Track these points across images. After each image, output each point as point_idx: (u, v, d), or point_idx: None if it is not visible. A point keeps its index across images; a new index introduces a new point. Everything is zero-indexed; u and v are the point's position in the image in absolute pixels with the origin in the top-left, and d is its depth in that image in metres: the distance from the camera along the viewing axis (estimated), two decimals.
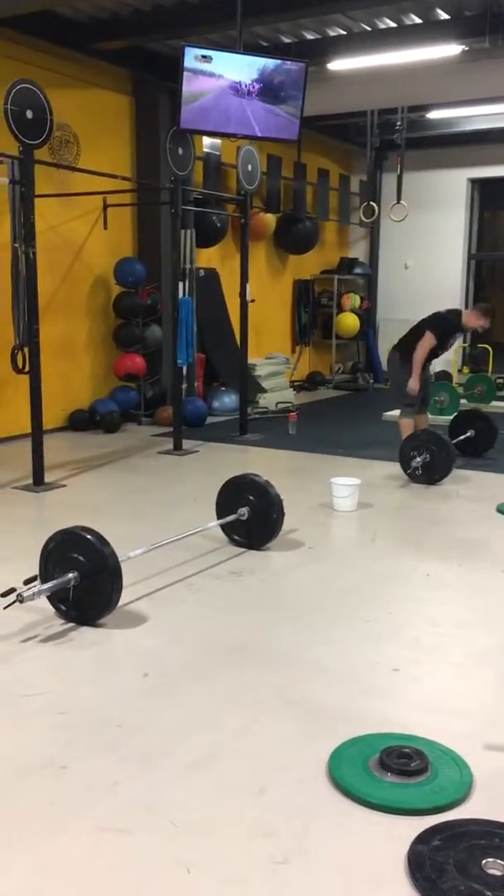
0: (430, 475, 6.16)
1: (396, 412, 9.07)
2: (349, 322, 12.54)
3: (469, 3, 7.02)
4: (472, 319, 6.58)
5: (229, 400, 9.60)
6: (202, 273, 9.55)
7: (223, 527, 4.65)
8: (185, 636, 3.51)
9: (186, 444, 7.51)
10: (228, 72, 5.21)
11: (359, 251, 13.41)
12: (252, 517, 4.55)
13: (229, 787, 2.40)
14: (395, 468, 6.40)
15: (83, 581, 3.49)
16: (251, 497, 4.55)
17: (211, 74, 5.15)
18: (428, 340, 6.39)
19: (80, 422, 8.47)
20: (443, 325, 6.50)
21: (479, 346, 12.02)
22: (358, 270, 12.99)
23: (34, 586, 3.39)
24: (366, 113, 10.54)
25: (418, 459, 6.14)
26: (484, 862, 2.04)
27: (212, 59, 5.11)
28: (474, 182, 12.73)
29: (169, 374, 9.09)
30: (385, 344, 12.85)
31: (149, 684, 3.04)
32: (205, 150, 9.39)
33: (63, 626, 3.53)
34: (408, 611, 3.83)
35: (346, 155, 12.83)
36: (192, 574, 4.23)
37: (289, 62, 5.42)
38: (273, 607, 3.85)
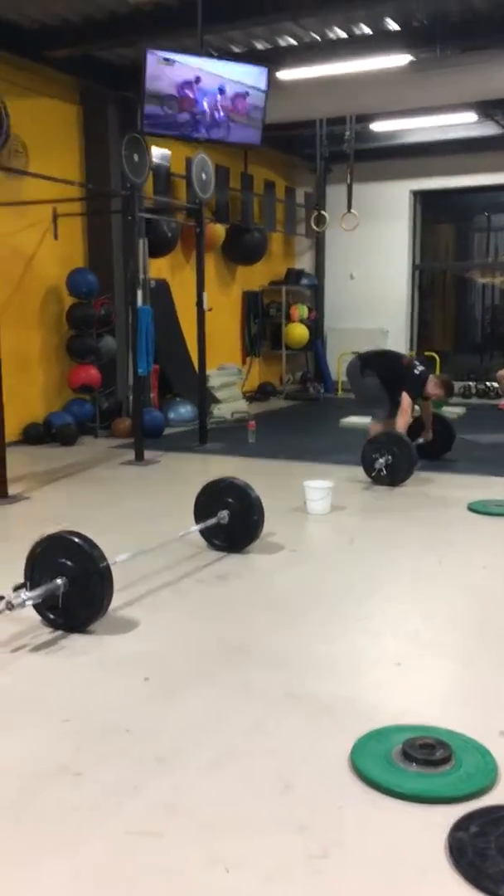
0: (394, 476, 6.19)
1: (354, 418, 9.20)
2: (298, 332, 12.60)
3: (418, 14, 7.14)
4: (432, 388, 6.76)
5: (185, 410, 9.53)
6: (153, 284, 9.47)
7: (202, 531, 4.57)
8: (180, 639, 3.43)
9: (147, 454, 7.40)
10: (190, 75, 5.19)
11: (305, 262, 13.50)
12: (232, 520, 4.49)
13: (253, 785, 2.33)
14: (359, 471, 6.41)
15: (72, 586, 3.38)
16: (230, 500, 4.49)
17: (173, 78, 5.12)
18: (408, 405, 6.60)
19: (35, 435, 8.29)
20: (417, 388, 6.71)
21: (426, 353, 12.18)
22: (305, 281, 13.07)
23: (23, 593, 3.28)
24: (312, 124, 10.65)
25: (381, 461, 6.17)
26: None
27: (174, 62, 5.09)
28: (416, 194, 12.95)
29: (124, 386, 8.99)
30: (333, 353, 13.00)
31: (151, 688, 2.95)
32: (154, 160, 9.33)
33: (52, 634, 3.41)
34: (400, 607, 3.82)
35: (290, 167, 12.92)
36: (176, 580, 4.15)
37: (250, 66, 5.43)
38: (265, 608, 3.80)
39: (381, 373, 6.84)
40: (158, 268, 9.92)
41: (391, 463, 6.16)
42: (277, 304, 12.55)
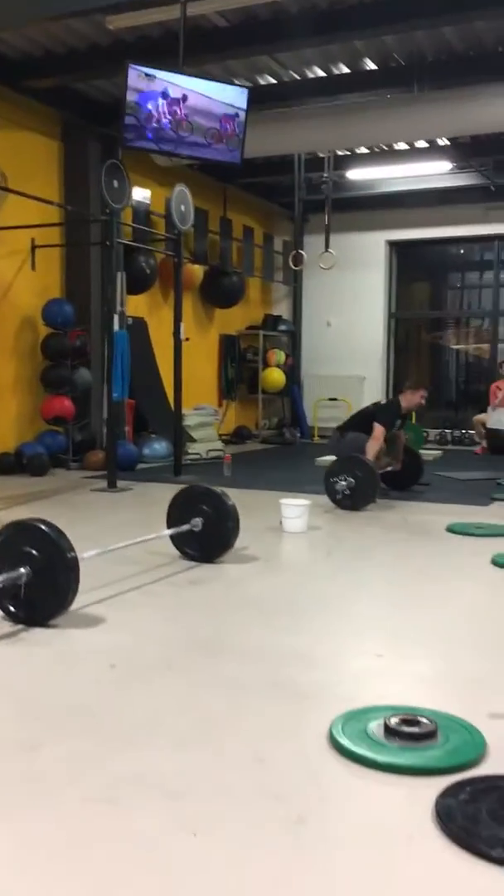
0: (356, 500, 6.08)
1: (330, 457, 9.10)
2: (275, 377, 12.59)
3: (394, 53, 7.30)
4: (411, 399, 6.76)
5: (160, 447, 9.40)
6: (131, 322, 9.44)
7: (174, 541, 4.41)
8: (149, 633, 3.25)
9: (120, 483, 7.24)
10: (172, 92, 5.22)
11: (282, 309, 13.58)
12: (206, 528, 4.34)
13: (225, 759, 2.16)
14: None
15: (36, 577, 3.20)
16: (205, 507, 4.35)
17: (154, 94, 5.14)
18: (380, 433, 6.49)
19: (6, 465, 8.10)
20: (390, 416, 6.68)
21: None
22: (282, 327, 13.13)
23: None
24: (290, 169, 10.83)
25: (342, 484, 6.07)
26: None
27: (155, 77, 5.12)
28: (392, 244, 13.14)
29: (98, 419, 8.87)
30: (310, 399, 13.00)
31: (118, 675, 2.77)
32: (135, 199, 9.39)
33: (11, 627, 3.22)
34: (380, 610, 3.67)
35: (269, 216, 13.09)
36: (145, 584, 3.97)
37: (233, 87, 5.48)
38: (239, 609, 3.63)
39: (358, 427, 6.82)
40: (136, 306, 9.90)
41: (354, 486, 6.06)
42: (255, 349, 12.57)
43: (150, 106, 5.13)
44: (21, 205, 7.92)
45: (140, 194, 9.55)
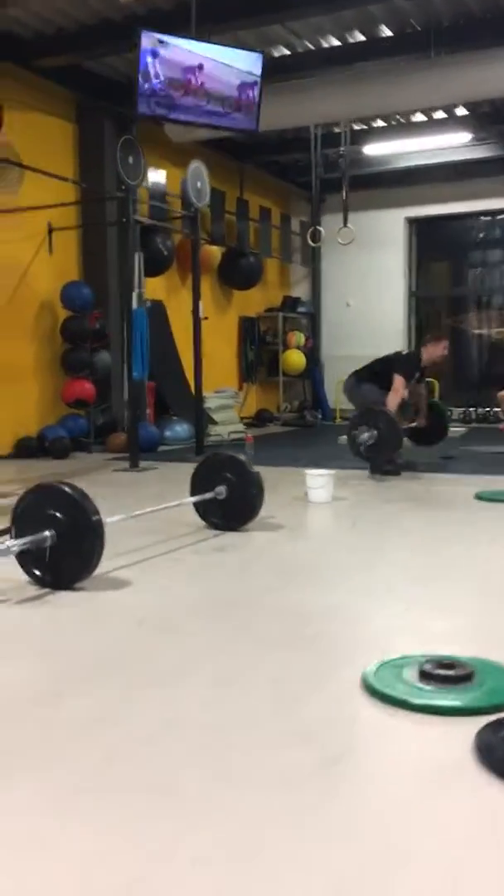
0: (378, 451, 6.01)
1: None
2: (295, 359, 12.51)
3: (410, 19, 7.19)
4: (433, 351, 6.66)
5: (181, 429, 9.37)
6: (149, 304, 9.40)
7: (198, 510, 4.37)
8: (177, 595, 3.22)
9: (142, 464, 7.22)
10: (185, 59, 5.16)
11: (301, 290, 13.48)
12: (230, 496, 4.28)
13: (255, 704, 2.10)
14: (358, 473, 6.24)
15: (60, 541, 3.17)
16: (229, 475, 4.29)
17: (168, 62, 5.08)
18: (400, 384, 6.37)
19: (28, 449, 8.10)
20: (409, 367, 6.57)
21: (427, 379, 12.05)
22: (301, 309, 13.04)
23: (7, 539, 3.07)
24: (306, 148, 10.72)
25: (365, 436, 6.01)
26: None
27: (168, 44, 5.06)
28: (412, 221, 13.00)
29: (119, 402, 8.85)
30: (331, 381, 12.89)
31: (146, 629, 2.73)
32: (150, 181, 9.34)
33: (37, 591, 3.19)
34: (406, 573, 3.60)
35: (286, 196, 12.99)
36: (170, 550, 3.93)
37: (248, 52, 5.41)
38: (267, 574, 3.57)
39: (377, 378, 6.70)
40: (154, 289, 9.85)
41: (377, 438, 5.99)
42: (274, 331, 12.49)
43: (164, 74, 5.07)
44: (38, 187, 7.91)
45: (156, 176, 9.51)
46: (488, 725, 1.90)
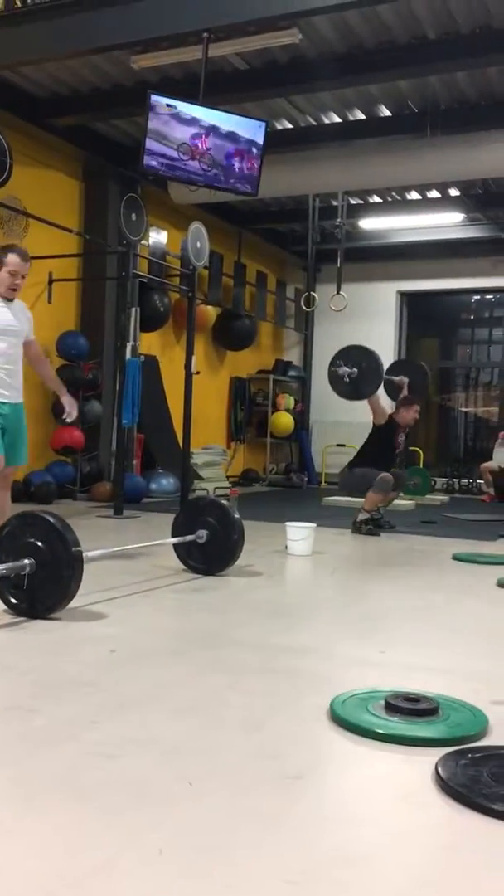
0: (356, 387, 6.08)
1: (338, 497, 9.11)
2: (284, 421, 12.65)
3: (408, 101, 7.52)
4: (405, 415, 6.85)
5: (167, 482, 9.42)
6: (143, 358, 9.55)
7: (179, 553, 4.41)
8: (151, 627, 3.25)
9: (126, 513, 7.26)
10: (191, 123, 5.39)
11: (293, 355, 13.71)
12: (211, 540, 4.34)
13: (223, 724, 2.14)
14: (341, 533, 6.31)
15: (39, 570, 3.21)
16: (210, 520, 4.35)
17: (174, 122, 5.31)
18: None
19: (13, 492, 8.07)
20: (384, 428, 6.77)
21: (411, 448, 12.22)
22: (292, 373, 13.24)
23: None
24: (304, 218, 11.07)
25: (345, 369, 6.08)
26: None
27: (176, 108, 5.29)
28: (403, 295, 13.33)
29: (107, 451, 8.92)
30: (319, 445, 13.03)
31: (118, 657, 2.76)
32: (151, 240, 9.59)
33: (13, 618, 3.21)
34: (382, 615, 3.64)
35: (282, 263, 13.32)
36: (149, 589, 3.96)
37: (249, 119, 5.66)
38: (242, 612, 3.61)
39: (365, 458, 6.85)
40: (149, 344, 10.03)
41: (355, 376, 6.07)
42: (264, 393, 12.66)
43: (170, 135, 5.29)
44: (40, 239, 8.10)
45: (157, 236, 9.77)
46: (449, 754, 1.94)
